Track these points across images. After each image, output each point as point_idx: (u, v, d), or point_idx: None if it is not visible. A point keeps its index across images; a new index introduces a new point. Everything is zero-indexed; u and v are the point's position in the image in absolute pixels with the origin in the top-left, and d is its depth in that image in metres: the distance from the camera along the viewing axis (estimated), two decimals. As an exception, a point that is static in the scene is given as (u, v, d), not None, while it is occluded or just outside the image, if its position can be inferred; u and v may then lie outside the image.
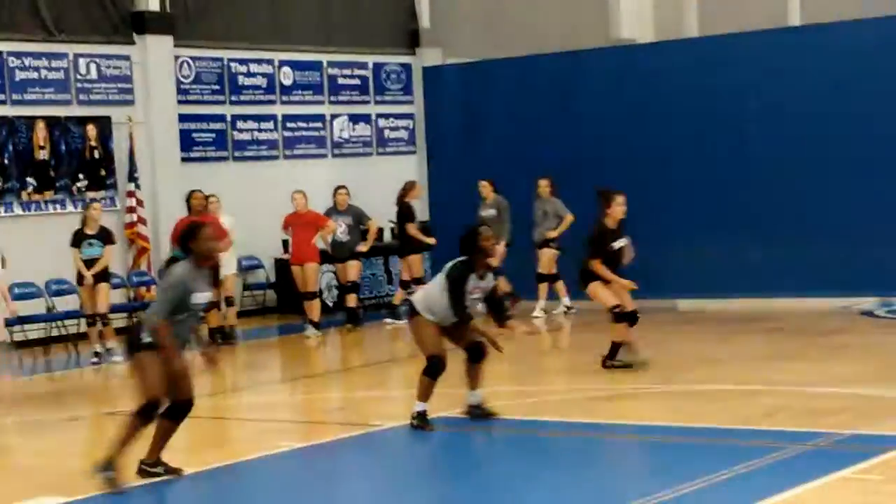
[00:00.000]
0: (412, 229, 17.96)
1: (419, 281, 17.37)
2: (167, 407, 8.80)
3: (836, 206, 16.83)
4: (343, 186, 17.98)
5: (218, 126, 19.88)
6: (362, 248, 17.93)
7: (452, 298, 10.16)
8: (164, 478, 8.92)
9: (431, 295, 10.36)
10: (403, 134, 22.29)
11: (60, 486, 9.10)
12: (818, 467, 8.46)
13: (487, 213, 17.98)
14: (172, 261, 9.73)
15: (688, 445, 9.68)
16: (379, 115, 21.95)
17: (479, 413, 10.57)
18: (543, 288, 18.08)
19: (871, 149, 16.55)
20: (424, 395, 10.32)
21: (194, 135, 19.55)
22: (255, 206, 18.80)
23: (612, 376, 12.63)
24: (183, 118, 19.32)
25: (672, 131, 18.00)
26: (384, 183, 19.64)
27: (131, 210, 18.50)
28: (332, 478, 9.38)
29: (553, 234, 17.91)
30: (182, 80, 19.40)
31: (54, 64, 18.02)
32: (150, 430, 8.86)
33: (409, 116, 22.26)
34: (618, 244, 12.65)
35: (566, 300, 18.03)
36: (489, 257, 10.40)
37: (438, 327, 10.32)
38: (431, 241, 18.05)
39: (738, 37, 18.41)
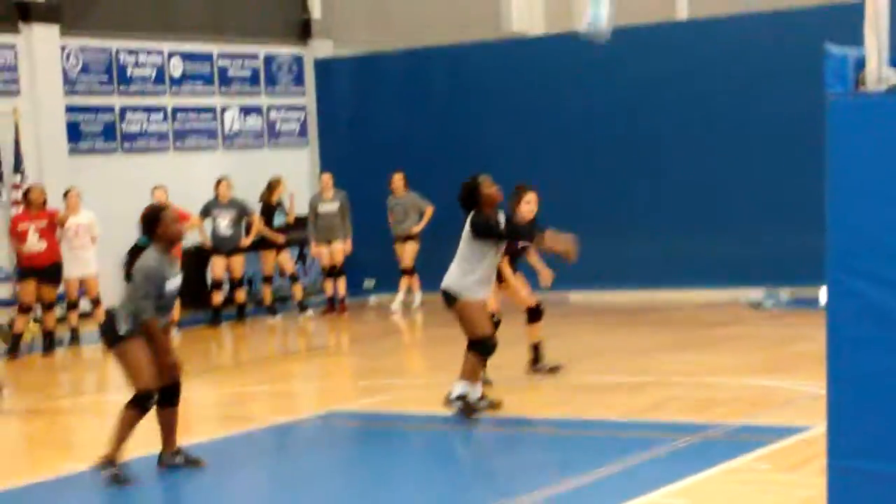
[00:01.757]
0: (259, 224, 17.69)
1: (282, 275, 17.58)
2: (160, 395, 8.68)
3: (723, 200, 17.06)
4: (225, 178, 17.76)
5: (106, 117, 19.57)
6: (245, 242, 17.69)
7: (500, 232, 10.12)
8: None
9: (464, 267, 10.11)
10: (295, 126, 22.14)
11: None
12: (708, 458, 8.54)
13: (328, 207, 18.02)
14: (136, 248, 9.46)
15: (577, 438, 9.72)
16: (270, 107, 21.77)
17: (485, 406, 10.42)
18: (405, 282, 18.08)
19: (757, 144, 16.77)
20: (474, 375, 10.16)
21: (82, 126, 19.21)
22: (145, 199, 18.50)
23: (501, 369, 12.63)
24: (70, 109, 18.99)
25: (560, 125, 18.11)
26: (278, 174, 19.47)
27: (17, 203, 18.14)
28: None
29: (417, 228, 17.92)
30: (69, 70, 19.08)
31: (-64, 53, 17.64)
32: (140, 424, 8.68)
33: (301, 108, 22.12)
34: (523, 244, 11.86)
35: (419, 295, 18.08)
36: (494, 203, 10.22)
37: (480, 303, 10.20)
38: (280, 238, 17.88)
39: (626, 30, 18.54)
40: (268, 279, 18.05)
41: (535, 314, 12.10)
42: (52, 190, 18.25)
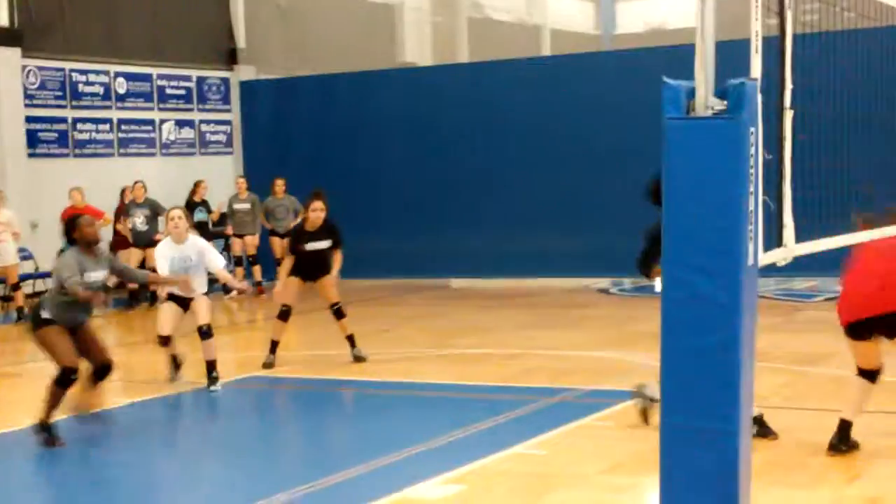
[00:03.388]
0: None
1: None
2: (91, 371, 8.58)
3: (579, 206, 17.13)
4: (139, 181, 17.34)
5: (61, 127, 19.19)
6: (159, 236, 17.40)
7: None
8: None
9: None
10: (222, 137, 21.88)
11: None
12: (564, 416, 8.63)
13: (242, 206, 17.96)
14: (61, 252, 9.26)
15: (458, 399, 9.76)
16: (202, 121, 21.49)
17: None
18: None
19: (607, 163, 16.73)
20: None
21: (40, 134, 18.82)
22: (93, 197, 18.21)
23: (394, 343, 12.64)
24: (29, 119, 18.59)
25: (447, 138, 18.13)
26: (206, 178, 19.25)
27: (-13, 198, 17.74)
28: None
29: (293, 225, 17.70)
30: (28, 86, 18.67)
31: (-87, 69, 17.14)
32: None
33: (228, 122, 21.86)
34: (311, 245, 11.20)
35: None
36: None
37: None
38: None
39: (498, 62, 18.68)
40: None
41: (337, 312, 11.38)
42: (12, 188, 17.95)
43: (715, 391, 4.53)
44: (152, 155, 20.54)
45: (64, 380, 8.36)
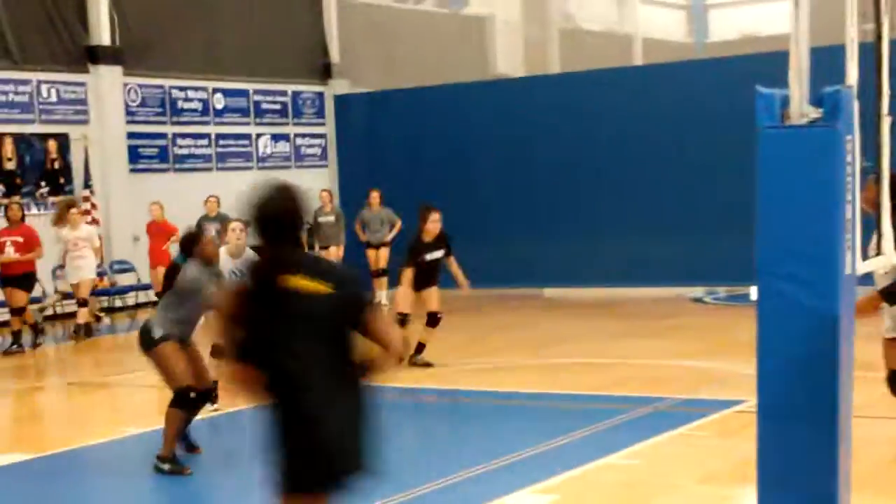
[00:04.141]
0: None
1: None
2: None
3: (674, 215, 16.92)
4: (213, 196, 17.56)
5: (161, 142, 19.58)
6: None
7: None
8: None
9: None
10: (317, 150, 22.13)
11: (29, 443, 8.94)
12: (659, 426, 8.57)
13: (326, 219, 17.98)
14: (174, 266, 8.64)
15: (551, 409, 9.75)
16: (296, 135, 21.76)
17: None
18: (382, 282, 17.66)
19: (701, 172, 16.54)
20: None
21: (140, 149, 19.22)
22: (192, 209, 18.53)
23: (487, 353, 12.65)
24: (131, 135, 19.00)
25: (541, 148, 18.07)
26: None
27: (86, 212, 18.16)
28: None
29: (389, 237, 17.77)
30: (130, 103, 19.08)
31: (20, 89, 17.61)
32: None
33: (322, 136, 22.10)
34: (430, 256, 11.56)
35: (385, 293, 17.39)
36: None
37: None
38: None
39: (590, 72, 18.61)
40: None
41: (433, 320, 11.68)
42: (115, 202, 18.37)
43: (812, 400, 4.48)
44: (249, 168, 20.85)
45: (183, 400, 8.00)
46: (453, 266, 11.75)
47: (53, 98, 18.04)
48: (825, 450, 4.47)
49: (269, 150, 21.30)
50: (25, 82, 17.69)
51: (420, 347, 11.64)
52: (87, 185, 18.23)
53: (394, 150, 19.63)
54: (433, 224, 11.47)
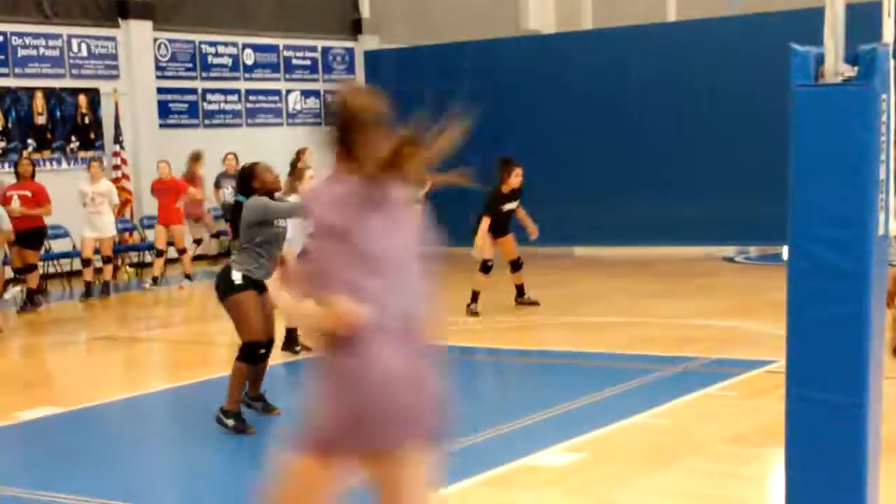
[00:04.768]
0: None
1: None
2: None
3: (706, 174, 16.85)
4: (231, 152, 17.60)
5: (190, 98, 19.62)
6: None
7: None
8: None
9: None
10: (347, 106, 22.14)
11: (56, 398, 9.04)
12: (688, 385, 8.58)
13: None
14: (237, 204, 8.25)
15: (580, 367, 9.77)
16: (326, 91, 21.75)
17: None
18: None
19: (734, 131, 16.49)
20: None
21: (170, 105, 19.29)
22: (220, 165, 18.62)
23: (519, 312, 12.68)
24: (161, 90, 19.06)
25: (571, 106, 17.99)
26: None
27: (116, 167, 18.28)
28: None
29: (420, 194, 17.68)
30: (160, 58, 19.12)
31: (51, 43, 17.68)
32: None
33: (352, 92, 22.10)
34: (507, 206, 12.31)
35: None
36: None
37: None
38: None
39: (623, 29, 18.45)
40: None
41: (516, 265, 12.70)
42: (144, 158, 18.45)
43: (842, 363, 4.46)
44: (279, 125, 20.88)
45: (252, 355, 7.69)
46: (521, 214, 12.51)
47: (84, 53, 18.10)
48: (856, 411, 4.45)
49: (298, 106, 21.31)
50: (56, 37, 17.75)
51: (521, 289, 12.75)
52: (116, 141, 18.30)
53: (424, 107, 19.56)
54: (516, 178, 12.24)
